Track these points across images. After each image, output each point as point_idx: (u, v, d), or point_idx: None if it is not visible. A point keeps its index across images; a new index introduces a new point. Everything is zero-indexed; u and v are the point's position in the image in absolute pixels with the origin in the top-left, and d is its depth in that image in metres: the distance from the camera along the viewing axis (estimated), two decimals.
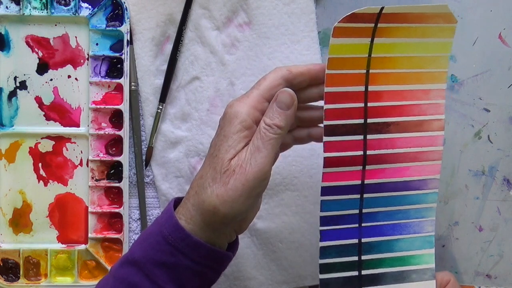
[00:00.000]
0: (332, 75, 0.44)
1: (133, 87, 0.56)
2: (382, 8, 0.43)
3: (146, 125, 0.56)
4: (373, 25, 0.44)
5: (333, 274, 0.46)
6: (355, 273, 0.47)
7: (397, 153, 0.46)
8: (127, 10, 0.55)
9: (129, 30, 0.55)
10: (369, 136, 0.45)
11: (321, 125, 0.45)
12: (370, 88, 0.45)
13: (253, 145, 0.43)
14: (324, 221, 0.46)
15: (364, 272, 0.47)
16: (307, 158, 0.56)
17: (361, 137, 0.45)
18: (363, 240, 0.47)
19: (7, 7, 0.55)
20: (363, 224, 0.46)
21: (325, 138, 0.45)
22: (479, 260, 0.57)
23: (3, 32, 0.55)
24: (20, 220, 0.56)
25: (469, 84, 0.56)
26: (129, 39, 0.55)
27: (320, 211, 0.46)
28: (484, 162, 0.57)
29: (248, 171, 0.42)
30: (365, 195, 0.46)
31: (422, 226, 0.47)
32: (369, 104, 0.45)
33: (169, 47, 0.56)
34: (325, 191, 0.45)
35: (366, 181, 0.46)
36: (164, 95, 0.56)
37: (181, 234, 0.43)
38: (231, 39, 0.56)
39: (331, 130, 0.45)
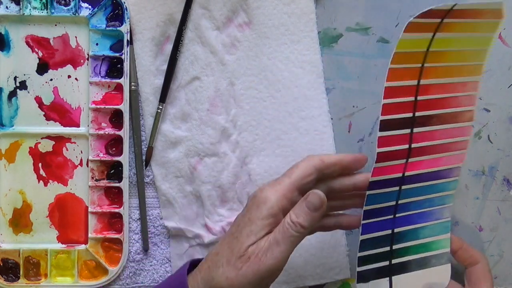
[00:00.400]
0: (394, 70, 0.44)
1: (133, 87, 0.56)
2: (454, 5, 0.43)
3: (146, 125, 0.56)
4: (439, 20, 0.43)
5: (368, 265, 0.47)
6: (387, 262, 0.48)
7: (436, 144, 0.47)
8: (127, 10, 0.55)
9: (129, 30, 0.55)
10: (415, 130, 0.46)
11: (348, 212, 0.47)
12: (422, 82, 0.45)
13: (273, 237, 0.43)
14: (365, 215, 0.46)
15: (394, 261, 0.48)
16: None
17: (408, 130, 0.46)
18: (396, 230, 0.47)
19: (7, 7, 0.55)
20: (397, 215, 0.47)
21: (379, 133, 0.45)
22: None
23: (3, 32, 0.55)
24: (20, 220, 0.56)
25: None
26: (129, 39, 0.55)
27: (365, 206, 0.46)
28: (484, 162, 0.57)
29: (262, 262, 0.43)
30: (403, 187, 0.47)
31: (442, 212, 0.48)
32: (418, 98, 0.45)
33: (169, 47, 0.56)
34: (371, 185, 0.46)
35: (406, 173, 0.46)
36: (164, 95, 0.56)
37: None
38: (231, 39, 0.56)
39: (385, 125, 0.45)
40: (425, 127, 0.46)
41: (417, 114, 0.46)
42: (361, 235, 0.46)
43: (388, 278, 0.47)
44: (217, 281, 0.43)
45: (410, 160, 0.46)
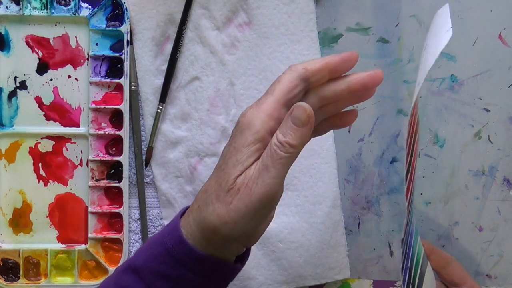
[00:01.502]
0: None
1: (133, 87, 0.56)
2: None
3: (146, 125, 0.56)
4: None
5: None
6: None
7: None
8: (127, 10, 0.55)
9: (129, 30, 0.55)
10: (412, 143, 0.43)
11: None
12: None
13: (262, 163, 0.39)
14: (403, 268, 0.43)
15: (412, 282, 0.44)
16: (307, 158, 0.56)
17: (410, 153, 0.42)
18: (409, 264, 0.44)
19: (7, 7, 0.55)
20: (409, 237, 0.44)
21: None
22: (479, 260, 0.57)
23: (3, 32, 0.55)
24: (20, 220, 0.56)
25: (469, 84, 0.56)
26: (129, 39, 0.55)
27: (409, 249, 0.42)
28: (484, 162, 0.57)
29: (253, 192, 0.39)
30: (410, 207, 0.43)
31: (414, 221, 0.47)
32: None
33: (169, 47, 0.56)
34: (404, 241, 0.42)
35: (410, 192, 0.43)
36: (164, 95, 0.56)
37: (184, 247, 0.41)
38: (231, 39, 0.56)
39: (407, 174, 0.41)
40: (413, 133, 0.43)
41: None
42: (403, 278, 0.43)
43: None
44: (208, 220, 0.40)
45: (407, 179, 0.43)
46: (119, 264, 0.56)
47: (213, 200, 0.40)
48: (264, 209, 0.40)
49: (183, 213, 0.44)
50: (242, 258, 0.45)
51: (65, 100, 0.56)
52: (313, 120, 0.40)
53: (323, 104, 0.43)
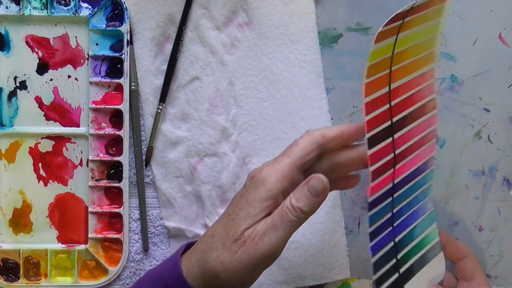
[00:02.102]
0: (369, 83, 0.42)
1: (133, 87, 0.56)
2: (414, 3, 0.41)
3: (146, 125, 0.56)
4: (401, 22, 0.42)
5: (384, 285, 0.45)
6: (397, 275, 0.46)
7: (413, 143, 0.45)
8: (127, 10, 0.55)
9: (129, 30, 0.55)
10: (395, 136, 0.44)
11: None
12: (392, 86, 0.43)
13: (271, 221, 0.41)
14: (372, 235, 0.44)
15: (401, 270, 0.46)
16: None
17: (390, 139, 0.44)
18: (396, 239, 0.46)
19: (7, 7, 0.55)
20: (394, 224, 0.45)
21: (369, 151, 0.42)
22: (479, 260, 0.57)
23: (3, 32, 0.55)
24: (20, 220, 0.56)
25: (469, 84, 0.56)
26: (129, 39, 0.55)
27: (369, 227, 0.44)
28: (484, 162, 0.57)
29: (258, 247, 0.41)
30: (395, 195, 0.45)
31: (426, 205, 0.47)
32: (392, 103, 0.44)
33: (169, 47, 0.56)
34: (370, 206, 0.43)
35: (395, 181, 0.45)
36: (164, 95, 0.56)
37: (183, 286, 0.43)
38: (231, 39, 0.56)
39: (372, 141, 0.43)
40: (403, 129, 0.44)
41: (394, 119, 0.44)
42: (372, 257, 0.44)
43: None
44: (211, 265, 0.42)
45: (397, 166, 0.44)
46: (119, 265, 0.56)
47: (219, 247, 0.42)
48: (264, 264, 0.42)
49: (184, 250, 0.45)
50: None
51: (65, 100, 0.56)
52: (328, 192, 0.42)
53: (334, 171, 0.45)
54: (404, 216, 0.46)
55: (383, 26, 0.40)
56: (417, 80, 0.45)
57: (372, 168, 0.43)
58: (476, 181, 0.57)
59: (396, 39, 0.42)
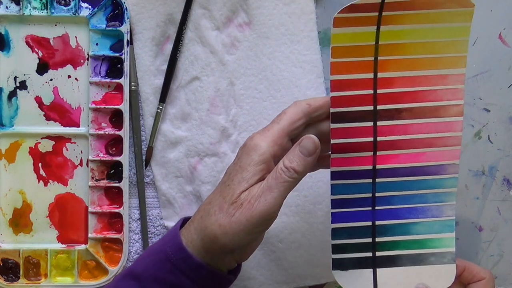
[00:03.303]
0: (337, 63, 0.45)
1: (133, 87, 0.56)
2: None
3: (146, 125, 0.56)
4: (377, 14, 0.44)
5: (345, 254, 0.48)
6: (369, 254, 0.48)
7: (411, 139, 0.47)
8: (127, 10, 0.55)
9: (129, 30, 0.55)
10: (379, 123, 0.46)
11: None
12: (380, 75, 0.46)
13: (266, 183, 0.43)
14: (334, 204, 0.47)
15: (378, 253, 0.48)
16: None
17: (370, 123, 0.46)
18: (377, 222, 0.48)
19: (7, 7, 0.55)
20: (376, 208, 0.47)
21: (332, 125, 0.45)
22: (479, 260, 0.57)
23: (3, 32, 0.55)
24: (20, 220, 0.56)
25: (469, 84, 0.56)
26: (129, 39, 0.55)
27: (331, 195, 0.47)
28: (484, 162, 0.57)
29: (255, 208, 0.42)
30: (377, 180, 0.47)
31: (441, 210, 0.48)
32: (378, 91, 0.46)
33: (169, 47, 0.56)
34: (334, 175, 0.46)
35: (378, 166, 0.47)
36: (164, 95, 0.56)
37: (183, 254, 0.44)
38: (231, 39, 0.56)
39: (337, 117, 0.46)
40: (393, 120, 0.46)
41: (379, 107, 0.46)
42: (332, 223, 0.47)
43: (371, 270, 0.48)
44: (210, 229, 0.43)
45: (379, 153, 0.46)
46: (119, 265, 0.56)
47: (216, 211, 0.43)
48: (261, 225, 0.43)
49: (182, 223, 0.47)
50: (234, 272, 0.48)
51: (65, 100, 0.56)
52: (319, 151, 0.44)
53: (321, 141, 0.46)
54: (396, 207, 0.48)
55: (338, 13, 0.44)
56: (430, 79, 0.46)
57: (333, 142, 0.46)
58: (476, 181, 0.57)
59: (378, 30, 0.45)
